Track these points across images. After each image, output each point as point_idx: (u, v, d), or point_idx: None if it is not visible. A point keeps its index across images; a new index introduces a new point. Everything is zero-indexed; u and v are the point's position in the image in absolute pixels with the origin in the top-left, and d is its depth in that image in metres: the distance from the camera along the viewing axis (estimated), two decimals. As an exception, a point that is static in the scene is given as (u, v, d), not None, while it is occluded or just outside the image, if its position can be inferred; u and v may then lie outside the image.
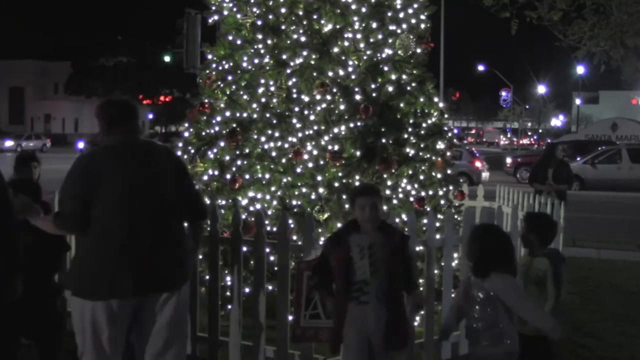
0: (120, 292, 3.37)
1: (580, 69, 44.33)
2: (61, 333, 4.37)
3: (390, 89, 6.37)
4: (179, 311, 3.59)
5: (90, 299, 3.38)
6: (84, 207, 3.37)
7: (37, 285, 3.98)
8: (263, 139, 6.13)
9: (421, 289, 5.37)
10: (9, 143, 47.81)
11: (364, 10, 6.29)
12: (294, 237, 5.57)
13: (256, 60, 6.34)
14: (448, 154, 6.91)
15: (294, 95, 6.19)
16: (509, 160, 29.01)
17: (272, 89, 6.28)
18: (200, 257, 5.42)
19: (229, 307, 5.04)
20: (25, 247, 3.57)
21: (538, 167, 10.18)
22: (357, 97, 6.18)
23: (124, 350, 3.60)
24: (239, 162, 6.17)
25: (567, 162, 10.50)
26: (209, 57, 6.82)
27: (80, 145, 43.97)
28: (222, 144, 6.26)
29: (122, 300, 3.39)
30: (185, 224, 3.86)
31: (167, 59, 23.85)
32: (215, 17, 6.90)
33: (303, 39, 6.23)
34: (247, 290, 5.29)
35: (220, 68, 6.61)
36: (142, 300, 3.47)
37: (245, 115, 6.29)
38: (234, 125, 6.23)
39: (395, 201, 6.16)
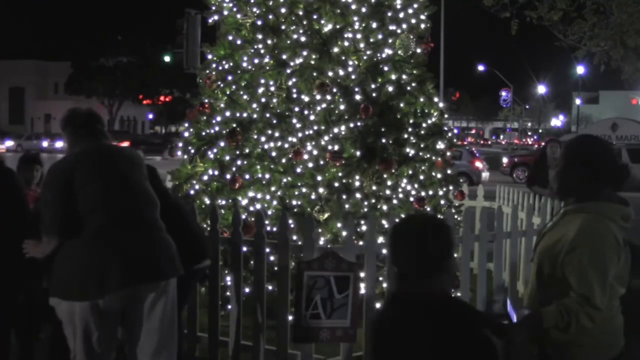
0: (109, 288, 3.37)
1: (580, 69, 44.29)
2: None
3: (390, 89, 6.37)
4: (168, 311, 3.60)
5: (80, 300, 3.37)
6: (64, 214, 3.41)
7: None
8: (263, 139, 6.13)
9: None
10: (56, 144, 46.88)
11: (364, 10, 6.29)
12: (294, 237, 5.57)
13: (256, 60, 6.34)
14: (448, 154, 6.91)
15: (294, 95, 6.18)
16: (505, 160, 29.00)
17: (272, 89, 6.28)
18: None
19: (229, 307, 5.04)
20: None
21: (536, 168, 9.07)
22: (357, 97, 6.18)
23: (115, 350, 3.60)
24: (239, 162, 6.17)
25: None
26: (209, 57, 6.82)
27: (59, 144, 42.97)
28: (222, 144, 6.26)
29: (112, 296, 3.39)
30: None
31: (167, 59, 23.85)
32: (215, 17, 6.90)
33: (303, 39, 6.23)
34: (247, 290, 5.29)
35: (220, 68, 6.61)
36: (130, 296, 3.47)
37: (245, 115, 6.29)
38: (234, 125, 6.23)
39: (395, 201, 6.16)
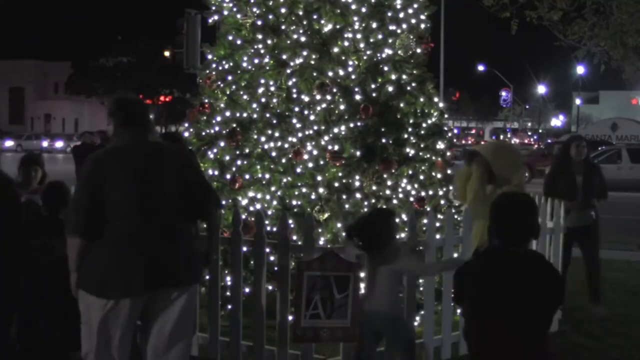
0: (132, 291, 3.37)
1: (580, 69, 44.29)
2: None
3: (390, 89, 6.37)
4: (185, 312, 3.59)
5: (103, 298, 3.38)
6: (89, 217, 3.38)
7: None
8: (263, 139, 6.13)
9: (421, 288, 5.38)
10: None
11: (364, 10, 6.29)
12: (294, 237, 5.57)
13: (256, 60, 6.34)
14: (448, 154, 6.91)
15: (294, 95, 6.19)
16: None
17: (272, 89, 6.28)
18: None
19: (229, 307, 5.04)
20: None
21: (558, 173, 6.82)
22: (357, 97, 6.18)
23: (130, 351, 3.59)
24: (239, 162, 6.18)
25: (598, 165, 7.36)
26: (209, 57, 6.82)
27: (59, 144, 42.33)
28: (222, 144, 6.26)
29: (133, 299, 3.40)
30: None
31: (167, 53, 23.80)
32: (215, 17, 6.90)
33: (303, 39, 6.23)
34: (247, 290, 5.29)
35: (220, 68, 6.61)
36: (150, 298, 3.47)
37: (245, 115, 6.29)
38: (234, 125, 6.23)
39: (395, 201, 6.16)
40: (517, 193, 3.40)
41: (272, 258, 5.33)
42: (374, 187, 6.13)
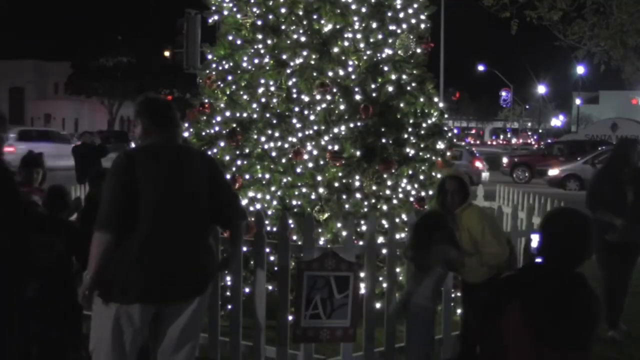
0: (145, 299, 3.35)
1: (580, 69, 44.25)
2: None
3: (390, 89, 6.37)
4: (196, 315, 3.57)
5: (116, 302, 3.35)
6: (120, 210, 3.30)
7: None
8: (263, 139, 6.13)
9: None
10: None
11: (364, 10, 6.29)
12: (294, 237, 5.57)
13: (256, 60, 6.34)
14: (448, 154, 6.91)
15: (294, 95, 6.19)
16: (505, 160, 29.09)
17: (272, 89, 6.28)
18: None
19: (229, 307, 5.04)
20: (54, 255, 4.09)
21: (604, 182, 5.88)
22: (357, 97, 6.18)
23: (138, 354, 3.58)
24: (239, 162, 6.18)
25: None
26: (209, 57, 6.82)
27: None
28: (222, 144, 6.26)
29: (145, 305, 3.37)
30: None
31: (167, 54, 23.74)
32: (215, 17, 6.90)
33: (303, 39, 6.23)
34: (247, 290, 5.29)
35: (220, 68, 6.61)
36: (162, 306, 3.46)
37: (245, 115, 6.29)
38: (234, 125, 6.23)
39: (395, 201, 6.16)
40: (574, 211, 3.01)
41: (272, 258, 5.33)
42: (374, 187, 6.14)
